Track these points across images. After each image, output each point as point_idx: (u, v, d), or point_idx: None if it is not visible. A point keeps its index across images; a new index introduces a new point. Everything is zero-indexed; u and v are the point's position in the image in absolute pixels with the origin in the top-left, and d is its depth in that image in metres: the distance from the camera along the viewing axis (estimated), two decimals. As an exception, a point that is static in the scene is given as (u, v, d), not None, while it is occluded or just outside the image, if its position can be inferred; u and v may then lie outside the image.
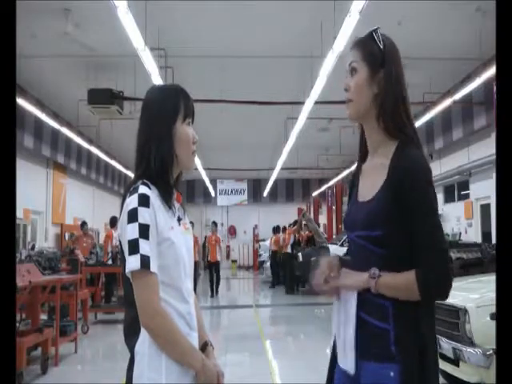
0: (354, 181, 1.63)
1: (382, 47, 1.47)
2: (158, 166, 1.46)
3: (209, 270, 12.97)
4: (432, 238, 1.37)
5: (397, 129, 1.48)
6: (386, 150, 1.48)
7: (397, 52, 1.51)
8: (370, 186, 1.49)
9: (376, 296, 1.42)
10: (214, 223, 13.38)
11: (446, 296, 1.39)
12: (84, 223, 11.21)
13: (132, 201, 1.39)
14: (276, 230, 15.32)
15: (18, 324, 5.14)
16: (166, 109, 1.49)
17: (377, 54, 1.47)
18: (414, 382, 1.34)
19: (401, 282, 1.39)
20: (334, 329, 1.55)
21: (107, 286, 9.49)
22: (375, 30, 1.50)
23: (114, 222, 10.77)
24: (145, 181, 1.44)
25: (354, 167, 1.72)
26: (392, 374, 1.35)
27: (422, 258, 1.37)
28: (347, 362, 1.46)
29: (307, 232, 13.93)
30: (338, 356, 1.52)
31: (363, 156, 1.61)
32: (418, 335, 1.38)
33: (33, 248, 9.47)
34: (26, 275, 4.92)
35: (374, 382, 1.39)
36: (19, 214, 10.98)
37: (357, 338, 1.45)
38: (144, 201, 1.38)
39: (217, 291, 12.50)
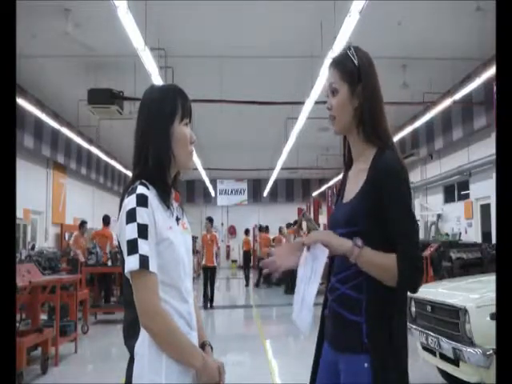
0: (341, 188, 1.74)
1: (356, 63, 1.59)
2: (156, 166, 1.46)
3: (203, 275, 10.73)
4: (406, 232, 1.47)
5: (375, 136, 1.59)
6: (366, 156, 1.60)
7: (371, 64, 1.63)
8: (352, 188, 1.60)
9: (350, 290, 1.52)
10: (209, 219, 11.04)
11: (415, 289, 1.47)
12: (83, 223, 10.88)
13: (130, 201, 1.39)
14: (247, 231, 17.29)
15: (18, 324, 5.14)
16: (164, 109, 1.49)
17: (353, 71, 1.59)
18: (385, 372, 1.43)
19: (382, 261, 1.46)
20: (297, 282, 1.59)
21: (101, 286, 9.44)
22: (349, 48, 1.64)
23: (107, 220, 10.49)
24: (143, 181, 1.44)
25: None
26: (366, 364, 1.45)
27: (401, 251, 1.45)
28: (302, 320, 1.53)
29: (307, 232, 13.93)
30: (293, 310, 1.58)
31: (348, 165, 1.74)
32: (389, 328, 1.46)
33: (33, 248, 9.47)
34: (26, 275, 4.92)
35: (350, 374, 1.49)
36: (19, 214, 10.97)
37: (333, 329, 1.57)
38: (142, 201, 1.39)
39: (211, 302, 10.33)
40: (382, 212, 1.48)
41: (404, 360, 1.49)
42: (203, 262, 10.62)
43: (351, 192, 1.61)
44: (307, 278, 1.53)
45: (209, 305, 10.28)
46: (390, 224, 1.48)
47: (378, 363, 1.43)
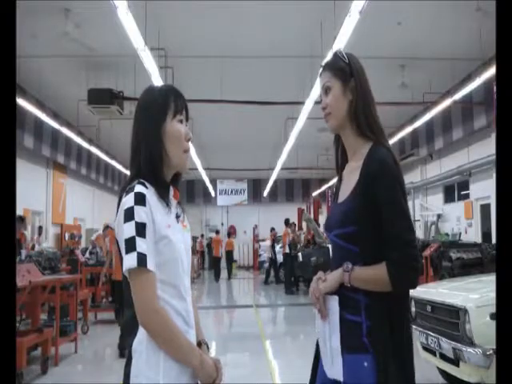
0: (336, 189, 1.75)
1: (347, 61, 1.65)
2: (150, 164, 1.47)
3: (113, 292, 7.75)
4: (399, 231, 1.46)
5: (369, 129, 1.60)
6: (360, 153, 1.61)
7: (360, 63, 1.69)
8: (346, 188, 1.61)
9: (349, 290, 1.52)
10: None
11: (413, 286, 1.48)
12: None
13: (128, 200, 1.39)
14: (229, 234, 18.42)
15: (18, 324, 5.14)
16: (156, 107, 1.50)
17: (345, 68, 1.64)
18: (387, 370, 1.42)
19: (372, 275, 1.48)
20: (320, 339, 1.64)
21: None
22: (338, 51, 1.70)
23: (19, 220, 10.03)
24: (140, 180, 1.45)
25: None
26: (366, 364, 1.44)
27: (391, 251, 1.45)
28: (335, 371, 1.53)
29: (307, 232, 13.93)
30: (324, 365, 1.61)
31: (340, 167, 1.75)
32: (389, 326, 1.45)
33: (33, 248, 9.47)
34: (26, 275, 4.92)
35: (350, 374, 1.47)
36: (19, 213, 10.97)
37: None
38: (140, 199, 1.39)
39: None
40: (375, 212, 1.48)
41: (407, 358, 1.48)
42: (114, 276, 6.53)
43: (345, 192, 1.61)
44: (328, 333, 1.57)
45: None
46: (384, 224, 1.47)
47: (380, 362, 1.42)
